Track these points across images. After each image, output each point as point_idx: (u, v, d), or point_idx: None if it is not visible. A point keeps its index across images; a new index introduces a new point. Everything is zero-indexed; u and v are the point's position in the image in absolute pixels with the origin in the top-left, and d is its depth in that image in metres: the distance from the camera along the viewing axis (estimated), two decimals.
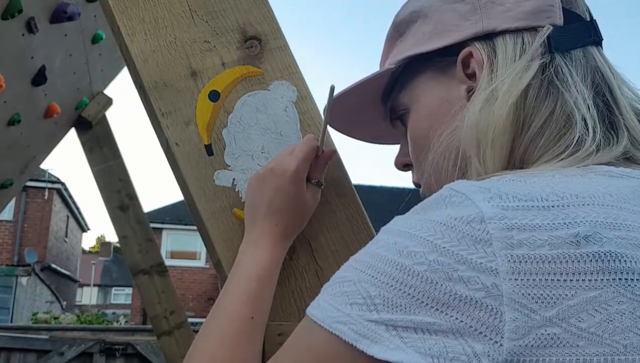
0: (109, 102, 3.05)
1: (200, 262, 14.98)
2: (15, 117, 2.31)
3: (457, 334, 0.36)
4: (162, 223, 14.85)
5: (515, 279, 0.35)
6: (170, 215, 15.41)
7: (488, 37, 0.52)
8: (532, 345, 0.35)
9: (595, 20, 0.53)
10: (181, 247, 15.12)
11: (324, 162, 0.68)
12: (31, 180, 11.07)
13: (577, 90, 0.48)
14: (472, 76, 0.53)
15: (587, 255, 0.36)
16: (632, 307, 0.35)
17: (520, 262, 0.35)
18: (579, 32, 0.51)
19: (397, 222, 0.42)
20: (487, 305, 0.35)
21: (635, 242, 0.37)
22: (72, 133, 3.07)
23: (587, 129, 0.47)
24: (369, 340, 0.38)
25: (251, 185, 0.66)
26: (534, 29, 0.51)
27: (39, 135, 2.76)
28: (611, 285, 0.35)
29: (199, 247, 14.86)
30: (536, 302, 0.35)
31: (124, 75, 3.00)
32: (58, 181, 14.48)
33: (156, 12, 0.75)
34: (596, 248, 0.36)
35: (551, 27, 0.50)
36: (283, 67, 0.75)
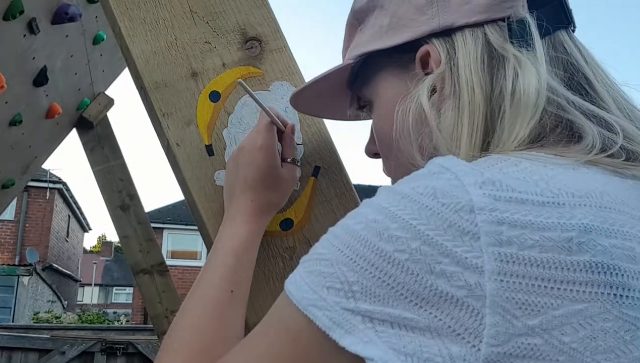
0: (110, 102, 3.06)
1: (201, 262, 14.97)
2: (16, 117, 2.32)
3: (435, 333, 0.34)
4: (163, 223, 14.86)
5: (501, 280, 0.33)
6: (171, 215, 15.42)
7: (446, 33, 0.49)
8: (510, 354, 0.33)
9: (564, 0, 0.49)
10: (182, 246, 15.13)
11: (289, 138, 0.69)
12: (33, 180, 11.08)
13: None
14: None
15: (578, 263, 0.33)
16: (617, 326, 0.33)
17: (508, 262, 0.33)
18: (544, 19, 0.47)
19: (381, 195, 0.39)
20: (468, 305, 0.33)
21: (630, 253, 0.35)
22: (74, 133, 3.08)
23: (563, 123, 0.44)
24: (343, 329, 0.36)
25: (227, 166, 0.68)
26: (495, 22, 0.48)
27: (41, 136, 2.77)
28: (599, 300, 0.33)
29: (200, 246, 14.87)
30: (520, 308, 0.33)
31: (125, 75, 3.01)
32: (59, 181, 14.49)
33: (157, 13, 0.75)
34: (588, 257, 0.34)
35: (509, 19, 0.47)
36: (283, 67, 0.75)
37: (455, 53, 0.48)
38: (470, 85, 0.46)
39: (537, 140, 0.44)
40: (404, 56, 0.53)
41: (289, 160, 0.68)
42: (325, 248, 0.40)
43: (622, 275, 0.34)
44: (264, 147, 0.64)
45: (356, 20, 0.58)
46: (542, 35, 0.47)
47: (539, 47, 0.46)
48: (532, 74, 0.44)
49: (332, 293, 0.37)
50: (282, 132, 0.69)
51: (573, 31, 0.50)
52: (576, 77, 0.47)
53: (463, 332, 0.33)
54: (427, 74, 0.50)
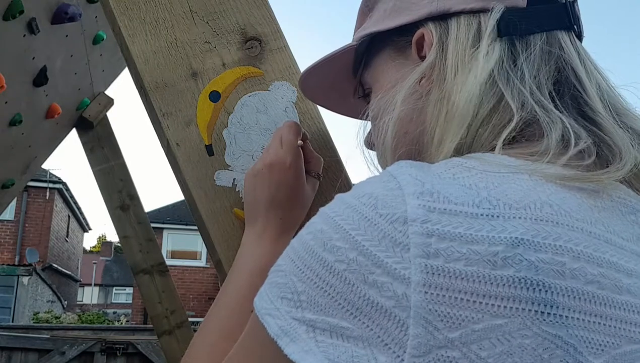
0: (110, 102, 3.06)
1: (201, 262, 14.99)
2: (16, 117, 2.32)
3: (366, 343, 0.34)
4: (163, 223, 14.87)
5: (426, 292, 0.33)
6: (171, 215, 15.43)
7: (443, 18, 0.49)
8: None
9: (571, 3, 0.49)
10: (182, 246, 15.14)
11: (310, 151, 0.69)
12: (32, 180, 11.08)
13: (530, 79, 0.44)
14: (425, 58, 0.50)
15: (502, 278, 0.33)
16: (536, 343, 0.33)
17: (434, 274, 0.33)
18: (542, 15, 0.47)
19: (332, 203, 0.40)
20: (395, 316, 0.34)
21: (559, 269, 0.34)
22: (74, 133, 3.08)
23: (537, 124, 0.43)
24: (288, 338, 0.37)
25: (249, 181, 0.67)
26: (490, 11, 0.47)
27: (40, 136, 2.77)
28: (519, 316, 0.33)
29: (200, 246, 14.87)
30: (442, 320, 0.33)
31: (125, 75, 3.01)
32: (59, 181, 14.50)
33: (157, 13, 0.75)
34: (512, 272, 0.33)
35: (503, 8, 0.47)
36: (283, 67, 0.75)
37: (447, 38, 0.48)
38: (455, 71, 0.46)
39: (518, 133, 0.43)
40: (402, 39, 0.53)
41: (313, 174, 0.68)
42: (282, 259, 0.41)
43: (546, 291, 0.33)
44: (293, 166, 0.64)
45: (366, 8, 0.58)
46: (538, 30, 0.47)
47: (485, 43, 0.46)
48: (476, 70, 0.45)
49: (285, 303, 0.38)
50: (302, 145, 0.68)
51: (579, 38, 0.50)
52: (566, 71, 0.47)
53: (390, 341, 0.34)
54: (421, 58, 0.51)
